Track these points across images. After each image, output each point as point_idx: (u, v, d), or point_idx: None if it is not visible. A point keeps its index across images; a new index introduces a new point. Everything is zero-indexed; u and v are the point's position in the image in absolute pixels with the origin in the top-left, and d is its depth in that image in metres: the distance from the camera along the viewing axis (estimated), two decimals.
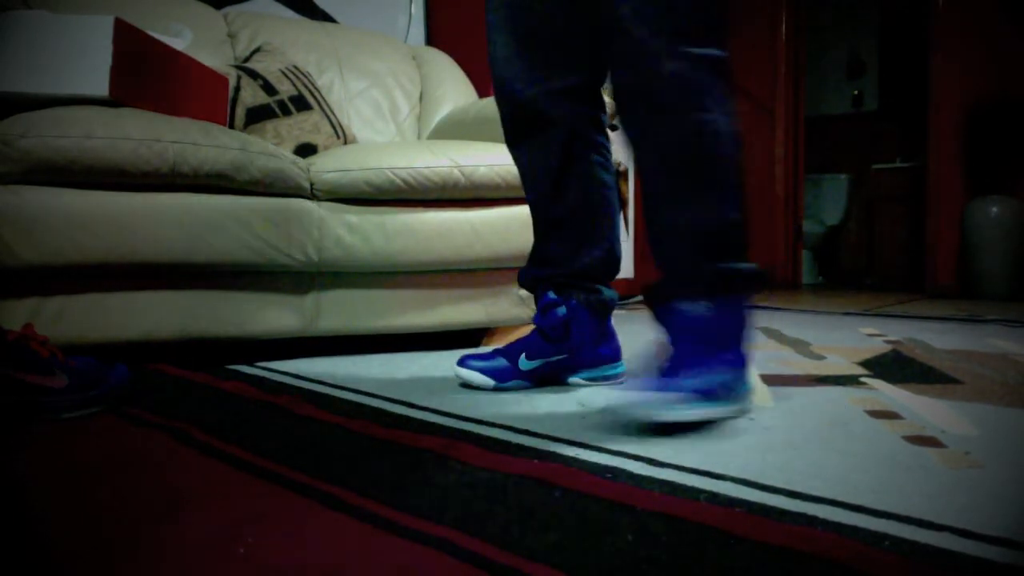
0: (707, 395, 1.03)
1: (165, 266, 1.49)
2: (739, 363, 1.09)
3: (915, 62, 5.15)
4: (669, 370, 1.07)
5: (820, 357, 1.70)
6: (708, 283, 1.09)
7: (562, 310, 1.32)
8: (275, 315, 1.64)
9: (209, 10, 2.28)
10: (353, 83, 2.40)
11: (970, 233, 3.62)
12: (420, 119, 2.49)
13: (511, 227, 1.82)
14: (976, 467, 0.87)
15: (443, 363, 1.63)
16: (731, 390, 1.06)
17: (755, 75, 4.74)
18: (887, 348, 1.84)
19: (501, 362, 1.35)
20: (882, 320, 2.56)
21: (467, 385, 1.37)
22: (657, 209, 1.14)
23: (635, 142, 1.14)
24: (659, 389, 1.03)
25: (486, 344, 1.93)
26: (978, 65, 3.76)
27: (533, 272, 1.39)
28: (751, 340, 1.13)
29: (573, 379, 1.37)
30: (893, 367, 1.57)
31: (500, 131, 1.98)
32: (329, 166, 1.68)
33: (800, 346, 1.89)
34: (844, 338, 2.05)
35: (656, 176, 1.12)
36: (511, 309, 1.88)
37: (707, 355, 1.07)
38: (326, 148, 1.99)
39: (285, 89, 2.06)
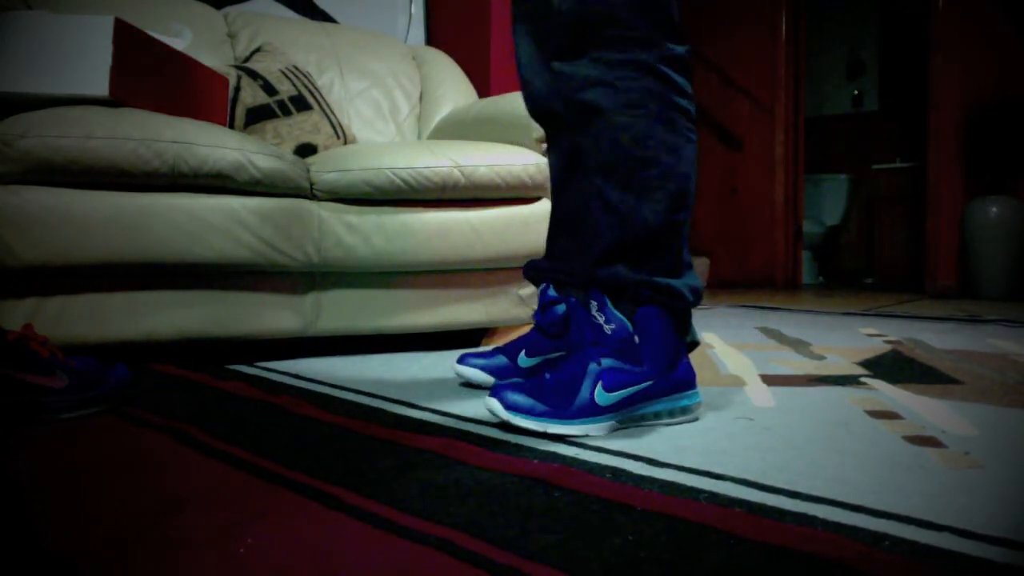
0: (579, 412, 1.01)
1: (165, 266, 1.49)
2: (639, 379, 1.04)
3: (915, 62, 5.15)
4: (563, 379, 1.04)
5: (820, 357, 1.70)
6: (607, 288, 1.08)
7: (561, 308, 1.32)
8: (275, 315, 1.64)
9: (209, 10, 2.28)
10: (353, 83, 2.40)
11: (970, 233, 3.62)
12: (420, 119, 2.50)
13: (511, 227, 1.82)
14: (976, 467, 0.87)
15: (443, 363, 1.63)
16: (620, 408, 1.03)
17: (755, 75, 4.74)
18: (887, 348, 1.84)
19: (501, 360, 1.35)
20: (882, 320, 2.56)
21: (467, 384, 1.37)
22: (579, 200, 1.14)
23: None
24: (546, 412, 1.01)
25: (486, 344, 1.93)
26: (978, 65, 3.76)
27: (538, 264, 1.39)
28: (673, 361, 1.08)
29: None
30: (893, 367, 1.57)
31: (500, 131, 1.99)
32: (329, 166, 1.68)
33: (800, 346, 1.89)
34: (844, 338, 2.05)
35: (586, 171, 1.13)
36: (511, 309, 1.88)
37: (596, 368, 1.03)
38: (326, 148, 2.00)
39: (285, 89, 2.06)
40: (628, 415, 1.05)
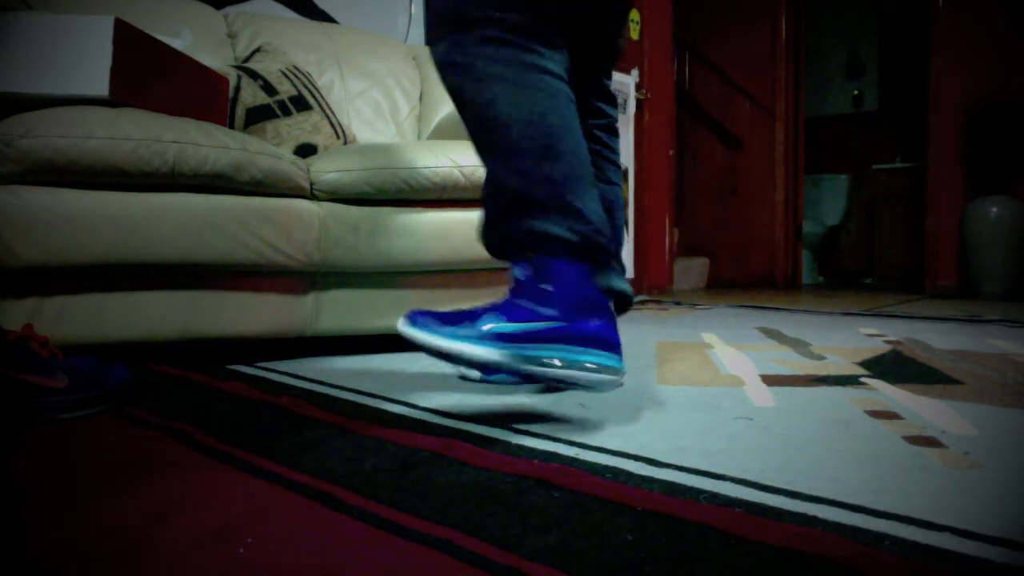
0: (495, 338, 1.01)
1: (165, 266, 1.49)
2: (541, 318, 1.03)
3: (915, 62, 5.16)
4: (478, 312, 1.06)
5: (820, 357, 1.70)
6: (508, 244, 1.11)
7: None
8: (275, 315, 1.64)
9: (209, 10, 2.28)
10: (353, 83, 2.40)
11: (970, 233, 3.62)
12: (420, 119, 2.50)
13: None
14: (976, 467, 0.87)
15: (443, 363, 1.63)
16: (528, 348, 1.02)
17: (755, 75, 4.74)
18: (887, 348, 1.84)
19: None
20: (882, 320, 2.56)
21: (464, 378, 1.42)
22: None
23: None
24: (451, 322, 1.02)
25: None
26: (978, 65, 3.76)
27: None
28: (589, 314, 1.04)
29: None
30: (893, 367, 1.57)
31: None
32: (329, 166, 1.68)
33: (800, 346, 1.89)
34: (844, 338, 2.05)
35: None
36: None
37: (516, 308, 1.04)
38: (326, 148, 1.99)
39: (285, 89, 2.06)
40: (521, 352, 1.01)
